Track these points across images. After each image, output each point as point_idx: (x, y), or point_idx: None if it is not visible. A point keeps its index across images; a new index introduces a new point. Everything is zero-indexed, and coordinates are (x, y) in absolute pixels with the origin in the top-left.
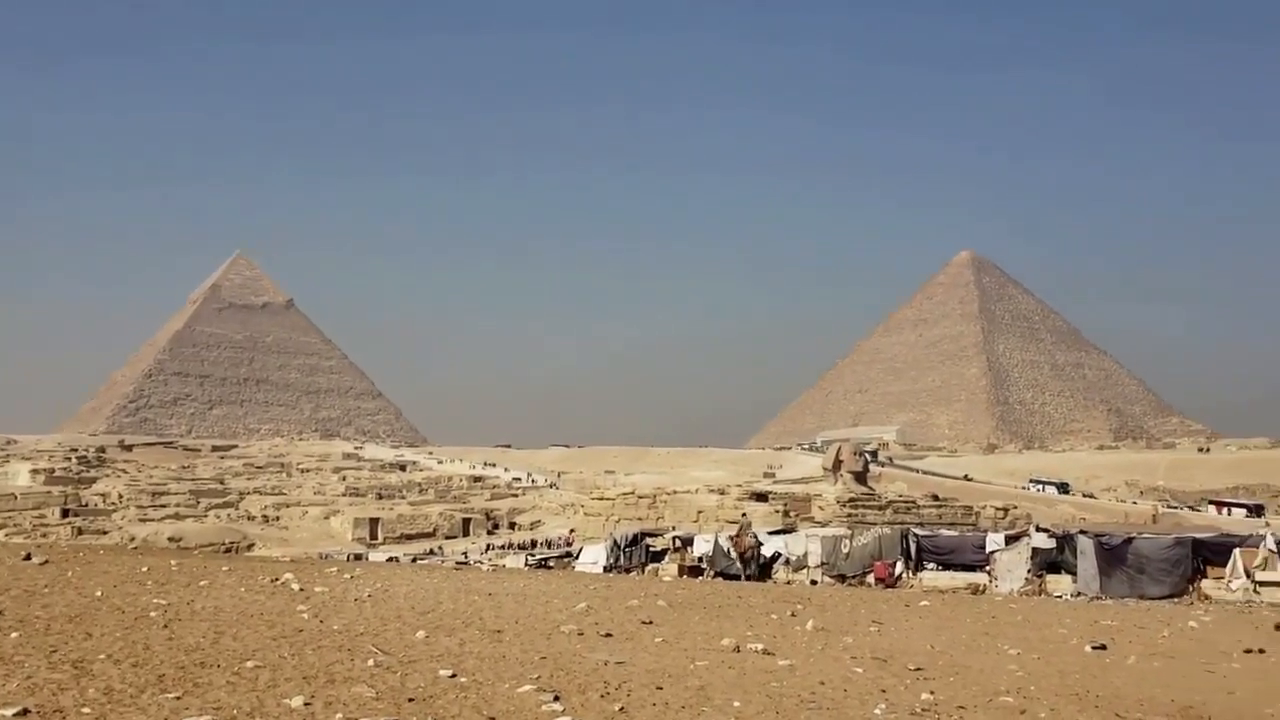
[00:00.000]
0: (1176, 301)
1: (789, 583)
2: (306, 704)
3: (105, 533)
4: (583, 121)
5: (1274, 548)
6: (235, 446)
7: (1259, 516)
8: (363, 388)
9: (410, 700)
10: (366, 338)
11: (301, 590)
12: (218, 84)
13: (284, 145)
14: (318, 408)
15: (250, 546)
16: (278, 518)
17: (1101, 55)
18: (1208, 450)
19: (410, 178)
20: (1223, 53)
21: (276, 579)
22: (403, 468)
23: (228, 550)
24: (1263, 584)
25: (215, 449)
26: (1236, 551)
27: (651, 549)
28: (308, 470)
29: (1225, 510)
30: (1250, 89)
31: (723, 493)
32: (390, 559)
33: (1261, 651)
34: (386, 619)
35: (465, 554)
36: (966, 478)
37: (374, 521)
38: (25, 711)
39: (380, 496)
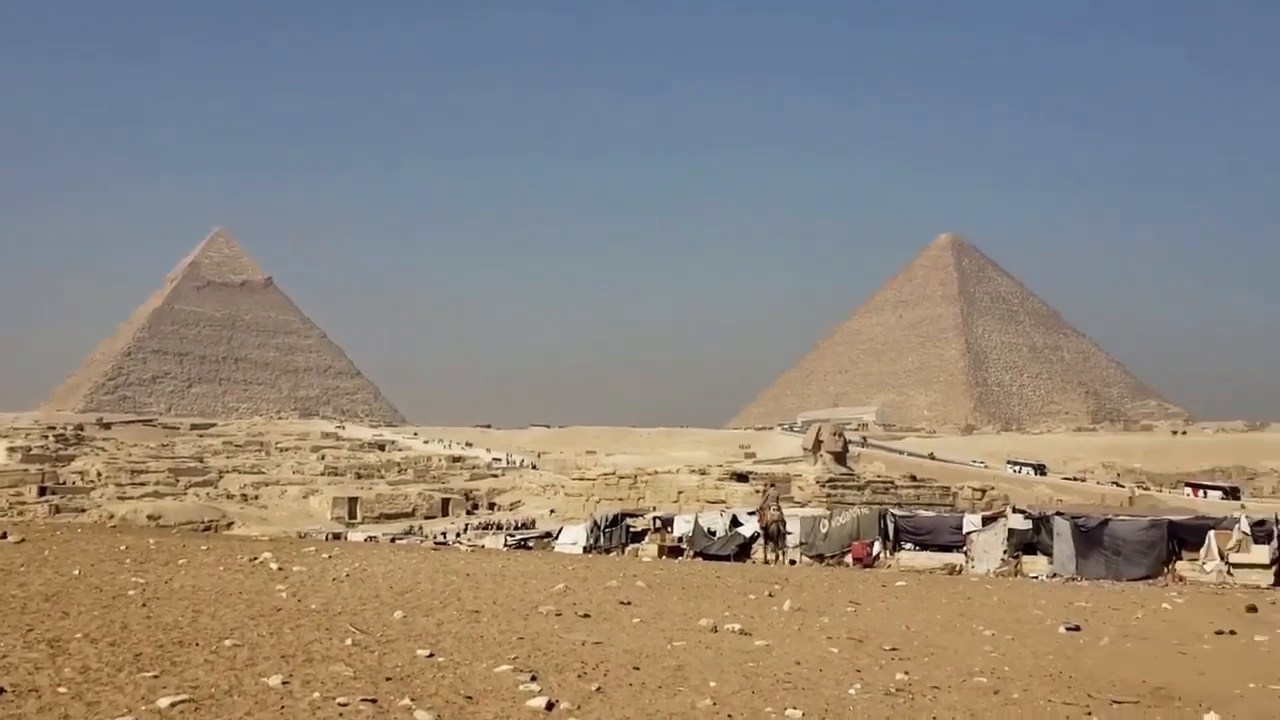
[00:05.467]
0: (1156, 284)
1: (767, 563)
2: (284, 682)
3: (83, 511)
4: (562, 105)
5: (1248, 530)
6: (214, 425)
7: (1234, 499)
8: (341, 366)
9: (388, 679)
10: (345, 317)
11: (280, 569)
12: (198, 69)
13: (263, 127)
14: (296, 386)
15: (229, 525)
16: (257, 496)
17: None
18: (1184, 433)
19: (392, 159)
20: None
21: (255, 558)
22: (382, 447)
23: (207, 529)
24: (1236, 566)
25: (194, 427)
26: (1211, 534)
27: (632, 529)
28: (287, 449)
29: (1201, 493)
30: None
31: (703, 473)
32: (369, 538)
33: (1233, 633)
34: (364, 598)
35: (444, 534)
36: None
37: (353, 501)
38: (1, 690)
39: (359, 476)
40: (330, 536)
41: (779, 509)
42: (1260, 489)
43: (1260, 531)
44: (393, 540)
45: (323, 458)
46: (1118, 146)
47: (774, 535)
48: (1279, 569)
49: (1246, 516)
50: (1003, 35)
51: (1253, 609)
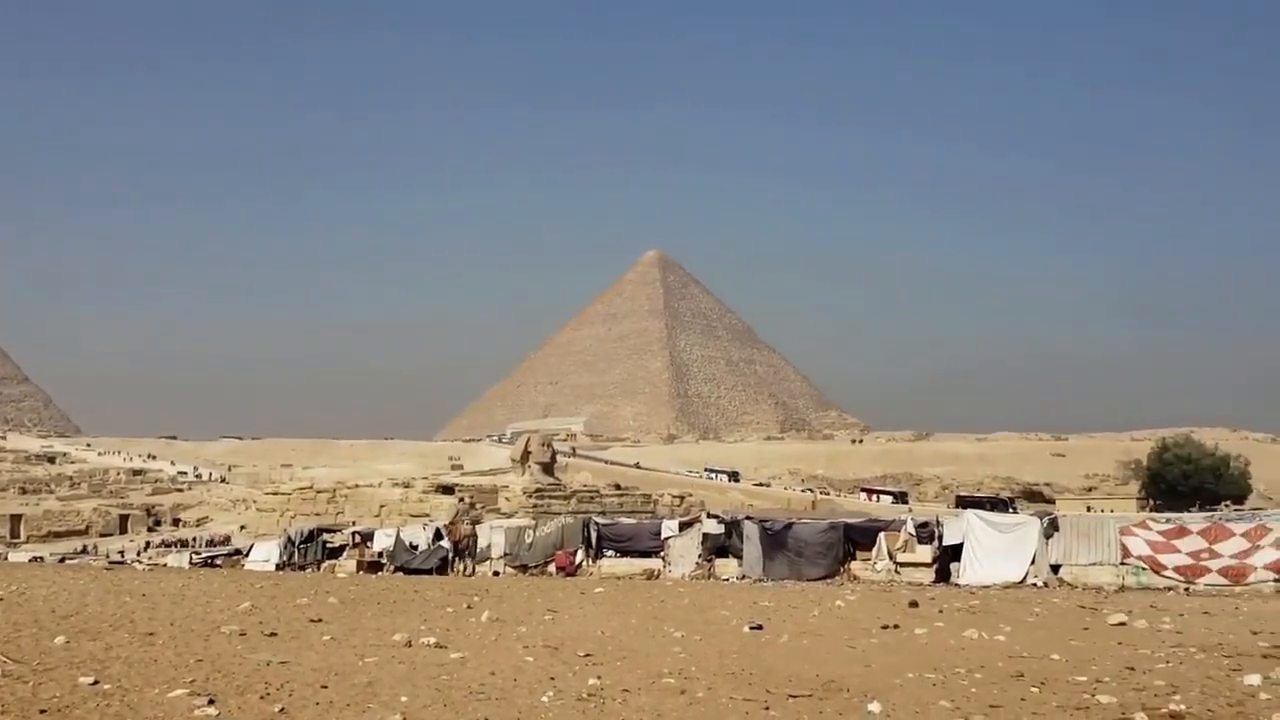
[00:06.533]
0: (838, 302)
1: (471, 575)
2: None
3: None
4: (261, 113)
5: (913, 532)
6: None
7: (903, 503)
8: (6, 371)
9: (43, 712)
10: (10, 316)
11: None
12: None
13: None
14: None
15: None
16: None
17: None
18: (861, 442)
19: (63, 145)
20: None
21: None
22: (51, 459)
23: None
24: (903, 565)
25: None
26: (881, 535)
27: (329, 545)
28: None
29: (874, 497)
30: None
31: (408, 486)
32: (34, 559)
33: (896, 627)
34: (20, 624)
35: (121, 553)
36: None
37: (16, 518)
38: None
39: (24, 491)
40: None
41: (471, 524)
42: (925, 493)
43: (924, 532)
44: (61, 560)
45: None
46: (801, 163)
47: (463, 550)
48: (939, 567)
49: (912, 519)
50: (728, 44)
51: (914, 604)
